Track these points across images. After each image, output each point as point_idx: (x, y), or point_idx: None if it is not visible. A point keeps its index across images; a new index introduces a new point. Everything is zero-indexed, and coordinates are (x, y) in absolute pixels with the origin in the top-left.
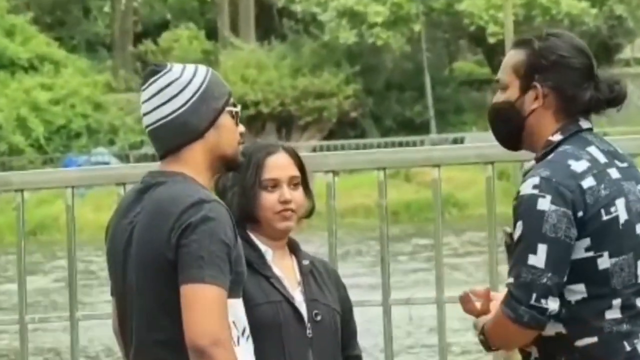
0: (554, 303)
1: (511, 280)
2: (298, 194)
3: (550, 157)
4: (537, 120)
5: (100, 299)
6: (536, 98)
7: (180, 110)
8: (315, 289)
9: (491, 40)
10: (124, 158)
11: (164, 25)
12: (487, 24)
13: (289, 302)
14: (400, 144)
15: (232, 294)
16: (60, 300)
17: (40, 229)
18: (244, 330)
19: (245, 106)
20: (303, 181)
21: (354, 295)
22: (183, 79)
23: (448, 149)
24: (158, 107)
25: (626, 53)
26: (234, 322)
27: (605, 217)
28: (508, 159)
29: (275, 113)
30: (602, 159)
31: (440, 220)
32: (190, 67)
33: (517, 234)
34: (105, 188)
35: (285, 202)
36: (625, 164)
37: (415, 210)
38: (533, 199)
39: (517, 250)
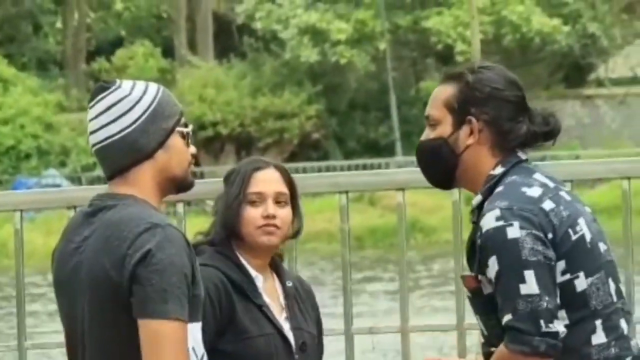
0: (560, 325)
1: (509, 316)
2: (284, 212)
3: (499, 189)
4: (472, 156)
5: (51, 328)
6: (471, 133)
7: (128, 129)
8: (299, 315)
9: (459, 58)
10: (75, 180)
11: (119, 43)
12: (455, 43)
13: (280, 333)
14: (365, 167)
15: (191, 318)
16: (6, 329)
17: None
18: (202, 357)
19: (203, 127)
20: (292, 201)
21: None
22: (132, 96)
23: (413, 171)
24: (105, 125)
25: (599, 73)
26: (193, 348)
27: (574, 237)
28: None
29: (234, 134)
30: (550, 183)
31: (405, 246)
32: (141, 85)
33: (492, 271)
34: (56, 212)
35: (269, 216)
36: (566, 188)
37: (380, 236)
38: (501, 230)
39: (502, 285)
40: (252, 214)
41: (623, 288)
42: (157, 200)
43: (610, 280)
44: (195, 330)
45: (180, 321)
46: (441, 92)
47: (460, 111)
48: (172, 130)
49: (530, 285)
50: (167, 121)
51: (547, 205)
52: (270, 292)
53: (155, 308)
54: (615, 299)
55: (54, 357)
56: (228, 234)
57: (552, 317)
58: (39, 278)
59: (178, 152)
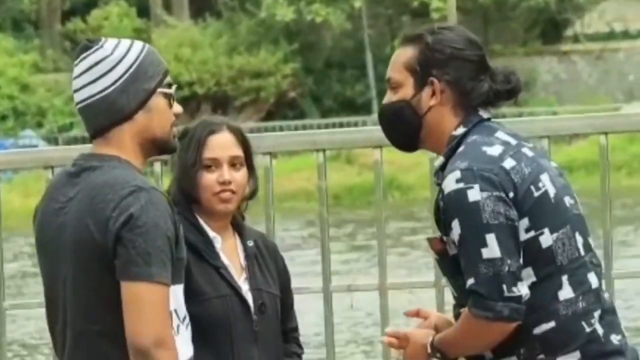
0: (524, 287)
1: (472, 280)
2: (240, 175)
3: (460, 149)
4: (435, 117)
5: (31, 290)
6: (433, 94)
7: (108, 90)
8: (259, 275)
9: (435, 16)
10: (52, 141)
11: (93, 3)
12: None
13: (238, 294)
14: (342, 125)
15: (174, 280)
16: None
17: None
18: (184, 318)
19: (179, 87)
20: (247, 161)
21: (293, 283)
22: (115, 55)
23: None
24: (87, 84)
25: (575, 29)
26: (175, 310)
27: (536, 193)
28: None
29: (210, 93)
30: (513, 141)
31: (383, 204)
32: (125, 43)
33: (455, 234)
34: (33, 172)
35: (224, 182)
36: (530, 144)
37: (357, 194)
38: (461, 193)
39: (465, 249)
40: (208, 181)
41: (594, 242)
42: (141, 162)
43: (577, 234)
44: (178, 292)
45: (163, 284)
46: (401, 55)
47: (421, 73)
48: (153, 91)
49: (492, 249)
50: (149, 82)
51: (508, 163)
52: (230, 252)
53: (139, 271)
54: (582, 252)
55: (34, 318)
56: (185, 198)
57: (515, 280)
58: (18, 239)
59: (159, 113)
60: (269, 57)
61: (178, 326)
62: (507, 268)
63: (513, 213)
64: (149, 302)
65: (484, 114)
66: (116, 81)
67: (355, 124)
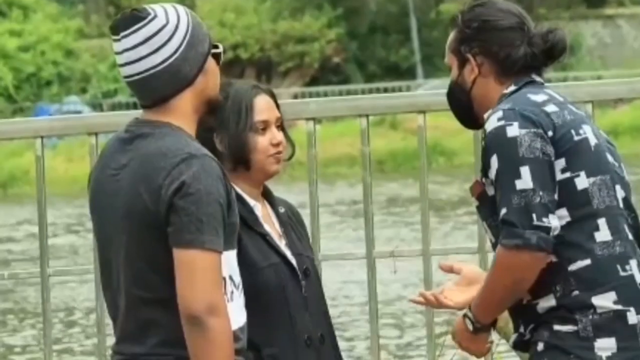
0: (554, 220)
1: (504, 210)
2: (282, 136)
3: (506, 100)
4: (480, 90)
5: (72, 260)
6: (472, 69)
7: (172, 59)
8: (296, 240)
9: None
10: (97, 107)
11: None
12: None
13: (286, 260)
14: (386, 90)
15: (227, 246)
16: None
17: (11, 183)
18: (238, 284)
19: (223, 51)
20: (281, 123)
21: (336, 249)
22: (170, 24)
23: (434, 94)
24: (147, 56)
25: None
26: (230, 276)
27: (576, 137)
28: None
29: (254, 58)
30: (560, 98)
31: (426, 170)
32: (172, 10)
33: (493, 170)
34: (77, 138)
35: (278, 144)
36: (581, 111)
37: (401, 160)
38: (501, 129)
39: (500, 182)
40: (264, 143)
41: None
42: (194, 124)
43: (617, 187)
44: (231, 258)
45: (215, 251)
46: (448, 39)
47: (458, 52)
48: (208, 53)
49: (525, 180)
50: (203, 45)
51: (550, 108)
52: (267, 220)
53: (191, 238)
54: (621, 205)
55: (74, 287)
56: (234, 162)
57: (546, 211)
58: (62, 204)
59: (213, 74)
60: (313, 22)
61: (232, 292)
62: (538, 199)
63: (550, 149)
64: (202, 269)
65: (535, 77)
66: (177, 49)
67: (400, 89)
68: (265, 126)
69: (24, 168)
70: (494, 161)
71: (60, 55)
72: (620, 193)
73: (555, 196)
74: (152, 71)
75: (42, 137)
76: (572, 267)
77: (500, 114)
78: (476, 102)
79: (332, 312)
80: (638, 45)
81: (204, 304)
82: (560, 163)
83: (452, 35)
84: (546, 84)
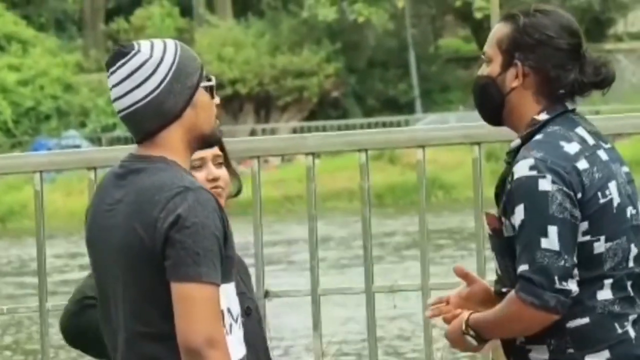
0: (574, 285)
1: (525, 267)
2: (224, 172)
3: (539, 137)
4: (517, 99)
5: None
6: (517, 76)
7: (155, 93)
8: (240, 280)
9: (478, 15)
10: (95, 141)
11: (137, 2)
12: None
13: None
14: (385, 124)
15: (225, 279)
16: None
17: (9, 217)
18: (237, 317)
19: (221, 86)
20: (225, 160)
21: (336, 283)
22: (154, 58)
23: (433, 129)
24: (130, 91)
25: (619, 28)
26: (228, 309)
27: (602, 200)
28: (495, 139)
29: (253, 93)
30: (590, 140)
31: (425, 204)
32: (159, 44)
33: (517, 219)
34: (76, 172)
35: (214, 179)
36: (608, 145)
37: (400, 194)
38: (533, 180)
39: (524, 235)
40: (199, 179)
41: None
42: (186, 160)
43: (632, 246)
44: (229, 291)
45: (213, 284)
46: (497, 31)
47: (508, 53)
48: (197, 87)
49: (551, 240)
50: (191, 78)
51: (582, 164)
52: None
53: (188, 271)
54: (632, 264)
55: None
56: None
57: (567, 275)
58: (61, 240)
59: (205, 108)
60: (312, 57)
61: (231, 325)
62: (562, 262)
63: (577, 213)
64: (200, 302)
65: (569, 104)
66: (160, 83)
67: (398, 123)
68: (201, 163)
69: (22, 202)
70: (520, 210)
71: (59, 89)
72: (633, 251)
73: (576, 259)
74: (136, 106)
75: (40, 172)
76: (570, 324)
77: (532, 162)
78: (507, 108)
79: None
80: (636, 80)
81: (203, 337)
82: (584, 226)
83: (504, 31)
84: (577, 112)
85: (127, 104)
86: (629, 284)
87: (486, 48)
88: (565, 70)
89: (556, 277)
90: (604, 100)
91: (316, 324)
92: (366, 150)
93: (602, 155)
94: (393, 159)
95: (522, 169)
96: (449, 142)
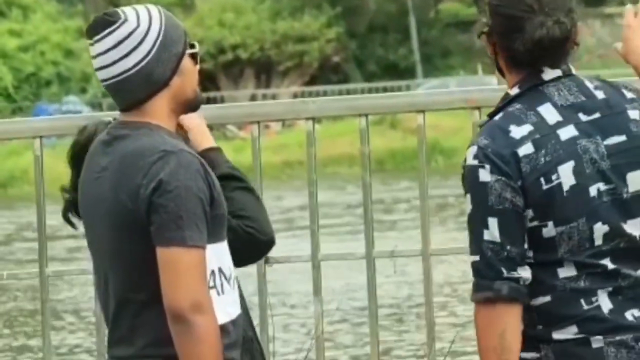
0: (525, 272)
1: (476, 258)
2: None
3: (496, 118)
4: (503, 68)
5: (72, 255)
6: (491, 53)
7: (143, 62)
8: None
9: None
10: (96, 106)
11: None
12: None
13: None
14: (385, 89)
15: (215, 238)
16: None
17: (11, 182)
18: (230, 276)
19: (222, 51)
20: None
21: (336, 249)
22: (141, 28)
23: (432, 93)
24: (118, 60)
25: None
26: (220, 269)
27: (545, 186)
28: (495, 104)
29: (254, 58)
30: (553, 118)
31: (426, 169)
32: (144, 12)
33: (468, 207)
34: None
35: None
36: (595, 115)
37: (400, 159)
38: (474, 170)
39: (472, 225)
40: None
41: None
42: (173, 124)
43: (598, 225)
44: (221, 250)
45: (198, 248)
46: None
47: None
48: (182, 54)
49: (492, 232)
50: (177, 45)
51: (524, 150)
52: None
53: (172, 235)
54: (599, 242)
55: (74, 285)
56: None
57: (514, 264)
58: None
59: (189, 74)
60: (312, 22)
61: (222, 285)
62: (505, 254)
63: (519, 200)
64: (184, 266)
65: (547, 74)
66: (149, 52)
67: (399, 88)
68: None
69: (23, 167)
70: (468, 200)
71: (60, 55)
72: (601, 229)
73: (526, 245)
74: (124, 75)
75: (40, 137)
76: (534, 302)
77: (475, 150)
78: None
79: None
80: None
81: (188, 302)
82: (529, 213)
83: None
84: (562, 80)
85: (114, 73)
86: (602, 261)
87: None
88: (512, 40)
89: (502, 268)
90: (605, 65)
91: (317, 289)
92: (366, 115)
93: (564, 133)
94: (394, 124)
95: (468, 156)
96: (449, 107)
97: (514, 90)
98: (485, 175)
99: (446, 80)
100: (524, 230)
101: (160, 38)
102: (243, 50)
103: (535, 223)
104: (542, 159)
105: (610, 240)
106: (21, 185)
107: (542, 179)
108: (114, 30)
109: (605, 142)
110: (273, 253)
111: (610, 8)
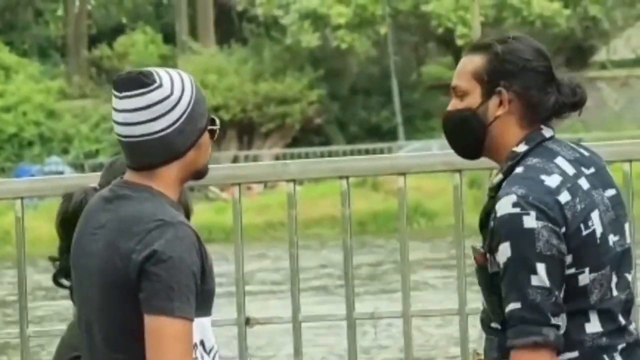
0: (564, 321)
1: (517, 305)
2: None
3: (519, 171)
4: (500, 128)
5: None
6: (501, 104)
7: (168, 130)
8: None
9: (460, 42)
10: (78, 167)
11: (120, 29)
12: (456, 26)
13: None
14: (367, 152)
15: (201, 312)
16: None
17: None
18: (211, 350)
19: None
20: None
21: (318, 310)
22: (174, 96)
23: (414, 156)
24: (145, 122)
25: (601, 55)
26: (202, 342)
27: (584, 232)
28: (476, 166)
29: (236, 120)
30: (571, 170)
31: (407, 231)
32: (177, 81)
33: (503, 256)
34: (58, 199)
35: None
36: (592, 169)
37: (382, 221)
38: (517, 217)
39: (512, 273)
40: None
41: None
42: (175, 192)
43: (614, 274)
44: (205, 324)
45: (185, 319)
46: (469, 63)
47: (490, 82)
48: (204, 130)
49: (541, 277)
50: (201, 121)
51: (563, 197)
52: None
53: (161, 304)
54: (615, 292)
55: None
56: None
57: (559, 311)
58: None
59: (205, 148)
60: (295, 84)
61: (202, 357)
62: (554, 299)
63: (563, 247)
64: (170, 337)
65: (546, 132)
66: (175, 122)
67: (381, 151)
68: None
69: (5, 228)
70: (506, 248)
71: (42, 115)
72: (614, 280)
73: (562, 293)
74: (145, 138)
75: (22, 198)
76: (561, 357)
77: (514, 199)
78: (489, 139)
79: None
80: (619, 107)
81: None
82: (568, 259)
83: (479, 62)
84: (555, 139)
85: (136, 133)
86: (618, 314)
87: (458, 82)
88: (545, 93)
89: (549, 314)
90: (586, 128)
91: (297, 351)
92: (347, 177)
93: (583, 184)
94: (376, 186)
95: (505, 206)
96: (430, 170)
97: (522, 147)
98: (530, 222)
99: (428, 143)
100: (564, 278)
101: (188, 110)
102: (225, 111)
103: (572, 270)
104: (579, 207)
105: (621, 291)
106: (3, 246)
107: (582, 225)
108: (147, 92)
109: (605, 194)
110: (254, 314)
111: (592, 72)
